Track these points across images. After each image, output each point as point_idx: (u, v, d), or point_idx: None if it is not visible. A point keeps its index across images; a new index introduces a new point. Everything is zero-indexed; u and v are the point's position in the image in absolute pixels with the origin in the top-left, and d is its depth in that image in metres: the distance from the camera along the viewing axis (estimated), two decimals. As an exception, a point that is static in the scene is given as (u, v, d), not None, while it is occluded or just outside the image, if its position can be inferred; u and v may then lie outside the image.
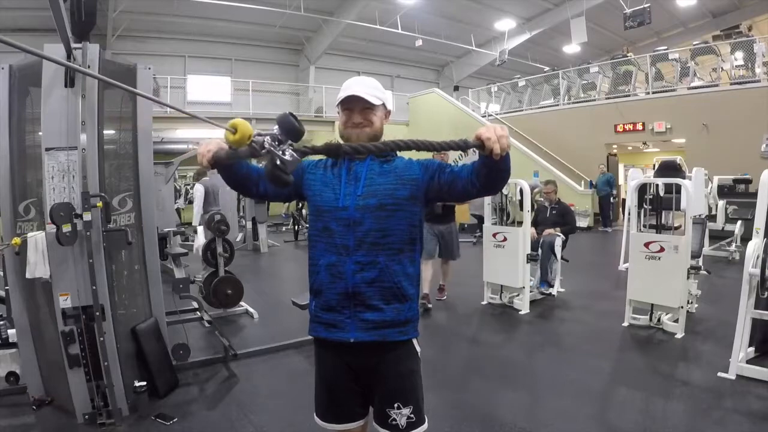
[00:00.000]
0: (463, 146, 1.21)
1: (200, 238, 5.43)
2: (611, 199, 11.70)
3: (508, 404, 2.94)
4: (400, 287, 1.41)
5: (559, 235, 5.15)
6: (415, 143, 1.19)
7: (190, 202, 6.12)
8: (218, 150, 1.28)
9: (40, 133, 2.61)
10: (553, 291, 5.14)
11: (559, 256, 5.09)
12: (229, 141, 1.14)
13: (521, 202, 4.96)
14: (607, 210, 11.54)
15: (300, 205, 10.32)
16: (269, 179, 1.18)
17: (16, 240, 2.51)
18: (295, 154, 1.18)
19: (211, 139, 1.33)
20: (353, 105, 1.43)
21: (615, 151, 13.38)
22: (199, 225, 5.79)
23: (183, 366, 3.31)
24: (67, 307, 2.52)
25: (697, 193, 5.62)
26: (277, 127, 1.17)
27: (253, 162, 1.41)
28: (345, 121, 1.46)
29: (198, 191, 6.14)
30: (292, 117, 1.18)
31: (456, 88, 19.02)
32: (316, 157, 1.40)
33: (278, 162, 1.15)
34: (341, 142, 1.43)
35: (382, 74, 19.28)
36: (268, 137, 1.16)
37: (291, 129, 1.16)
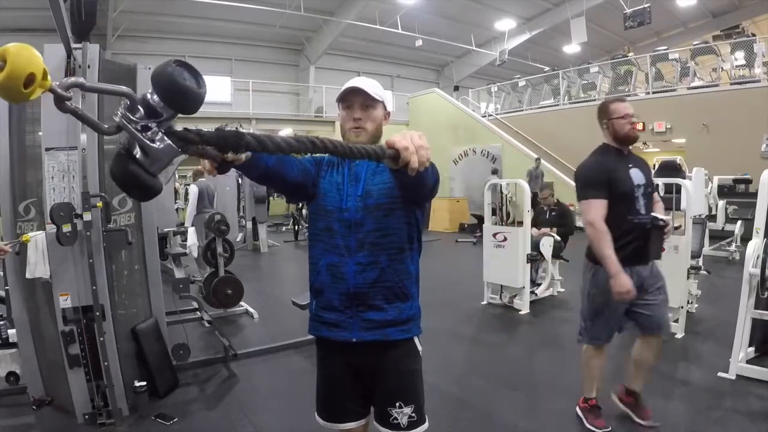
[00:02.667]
0: (380, 154, 0.92)
1: (191, 239, 5.44)
2: None
3: (508, 404, 2.94)
4: (402, 286, 1.41)
5: (552, 236, 5.13)
6: (333, 145, 0.86)
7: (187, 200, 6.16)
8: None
9: (40, 133, 2.61)
10: (537, 291, 5.10)
11: (548, 256, 5.06)
12: None
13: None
14: None
15: (300, 204, 10.31)
16: (117, 178, 0.73)
17: (27, 237, 2.51)
18: (167, 140, 0.71)
19: None
20: (353, 100, 1.42)
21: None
22: (191, 226, 5.79)
23: (183, 366, 3.31)
24: (67, 307, 2.52)
25: (697, 193, 5.63)
26: (151, 89, 0.70)
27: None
28: (345, 117, 1.44)
29: (192, 192, 6.14)
30: (180, 67, 0.70)
31: (456, 88, 19.02)
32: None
33: (138, 153, 0.69)
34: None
35: (382, 74, 19.28)
36: (125, 102, 0.68)
37: (174, 90, 0.68)
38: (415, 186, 1.14)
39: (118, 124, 0.68)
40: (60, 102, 0.64)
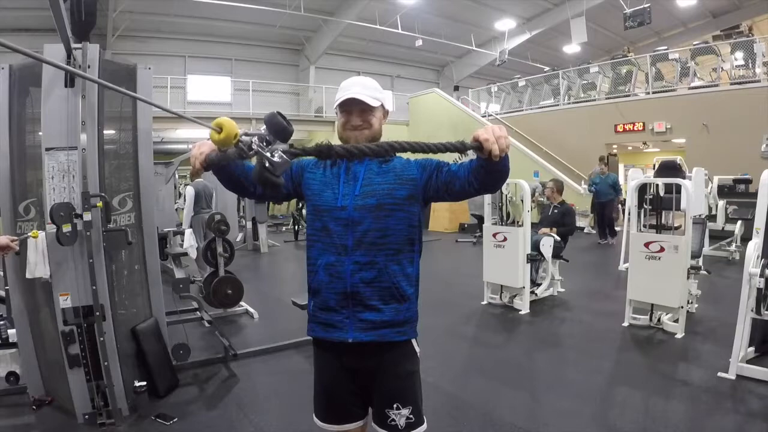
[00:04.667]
0: (460, 148, 1.17)
1: (188, 241, 5.45)
2: (618, 204, 9.49)
3: (508, 404, 2.93)
4: (399, 287, 1.40)
5: (552, 236, 5.14)
6: (411, 145, 1.15)
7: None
8: (210, 152, 1.25)
9: (40, 133, 2.61)
10: (537, 291, 5.08)
11: (548, 256, 5.05)
12: (215, 141, 1.08)
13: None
14: (611, 218, 9.30)
15: (300, 205, 10.32)
16: (258, 182, 1.14)
17: (35, 233, 2.49)
18: (284, 156, 1.13)
19: (204, 140, 1.29)
20: (351, 107, 1.42)
21: (615, 151, 13.38)
22: (189, 228, 5.77)
23: (183, 366, 3.32)
24: (67, 307, 2.52)
25: (697, 193, 5.63)
26: (264, 127, 1.13)
27: (248, 161, 1.35)
28: (344, 123, 1.45)
29: (188, 193, 6.08)
30: (280, 116, 1.13)
31: (456, 88, 19.01)
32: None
33: (267, 164, 1.11)
34: (333, 143, 1.36)
35: (382, 74, 19.29)
36: (256, 138, 1.12)
37: (279, 129, 1.12)
38: (498, 171, 1.28)
39: (256, 150, 1.10)
40: (236, 144, 1.08)
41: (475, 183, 1.34)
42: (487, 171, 1.28)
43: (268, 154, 1.11)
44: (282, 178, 1.15)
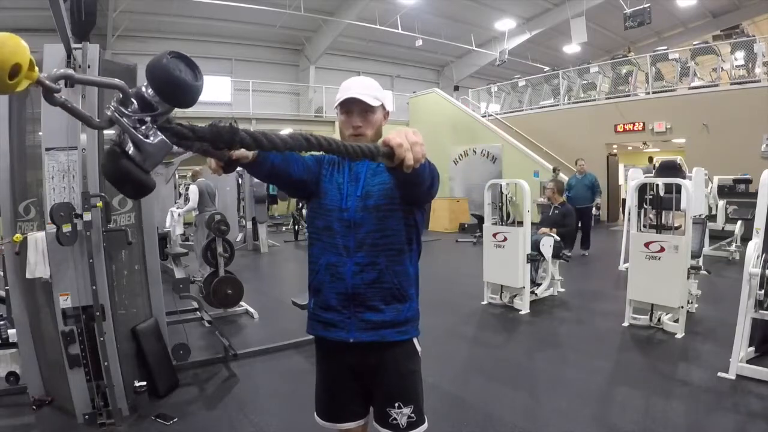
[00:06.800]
0: (375, 153, 0.91)
1: (169, 221, 5.80)
2: (595, 210, 8.30)
3: (508, 404, 2.94)
4: (400, 288, 1.40)
5: (552, 236, 5.14)
6: (328, 142, 0.85)
7: (188, 200, 6.28)
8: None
9: (40, 133, 2.61)
10: (537, 291, 5.07)
11: (548, 256, 5.05)
12: None
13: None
14: (588, 226, 8.09)
15: (300, 204, 10.31)
16: (108, 176, 0.69)
17: (18, 236, 2.51)
18: (162, 136, 0.68)
19: None
20: (352, 107, 1.41)
21: (615, 151, 13.39)
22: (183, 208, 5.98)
23: (183, 366, 3.32)
24: (67, 307, 2.52)
25: (697, 193, 5.63)
26: (146, 82, 0.67)
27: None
28: (344, 122, 1.44)
29: (192, 191, 6.17)
30: (175, 59, 0.68)
31: (456, 88, 19.00)
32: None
33: (131, 149, 0.66)
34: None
35: (382, 74, 19.28)
36: (118, 95, 0.66)
37: (168, 82, 0.66)
38: (412, 184, 1.15)
39: (110, 117, 0.65)
40: (48, 94, 0.61)
41: (399, 192, 1.26)
42: (399, 182, 1.15)
43: (135, 132, 0.65)
44: (151, 177, 0.71)
